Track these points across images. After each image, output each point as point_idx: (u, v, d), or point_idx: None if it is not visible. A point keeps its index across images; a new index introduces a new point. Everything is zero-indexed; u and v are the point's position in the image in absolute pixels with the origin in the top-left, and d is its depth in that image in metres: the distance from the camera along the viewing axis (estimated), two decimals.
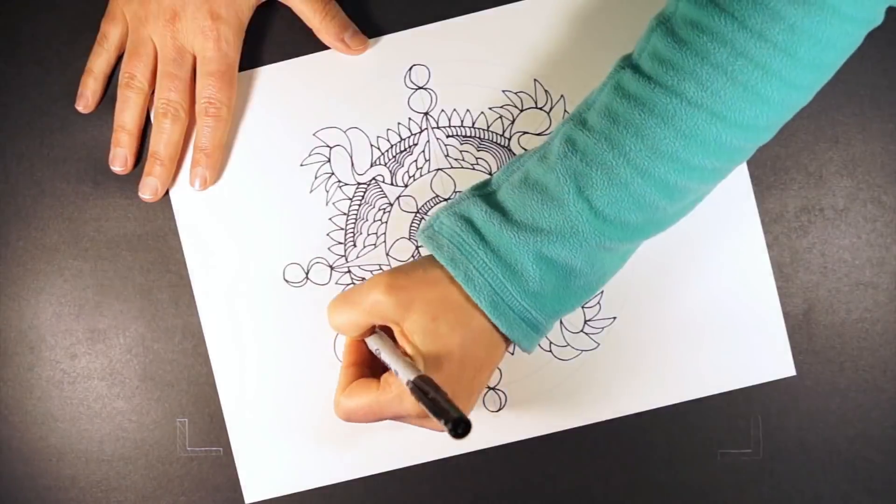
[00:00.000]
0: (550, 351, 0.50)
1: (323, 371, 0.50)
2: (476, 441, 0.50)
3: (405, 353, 0.41)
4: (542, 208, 0.40)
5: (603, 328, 0.51)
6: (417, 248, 0.51)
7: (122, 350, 0.51)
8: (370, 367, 0.45)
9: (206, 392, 0.51)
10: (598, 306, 0.50)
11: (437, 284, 0.41)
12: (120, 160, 0.50)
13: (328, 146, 0.51)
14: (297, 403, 0.51)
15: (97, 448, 0.51)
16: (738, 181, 0.50)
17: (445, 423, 0.36)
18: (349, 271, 0.51)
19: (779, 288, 0.51)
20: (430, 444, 0.50)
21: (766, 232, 0.51)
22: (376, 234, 0.51)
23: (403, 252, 0.51)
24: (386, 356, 0.42)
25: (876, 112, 0.51)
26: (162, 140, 0.49)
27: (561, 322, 0.50)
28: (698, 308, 0.51)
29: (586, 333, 0.51)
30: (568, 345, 0.51)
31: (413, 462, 0.50)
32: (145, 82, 0.49)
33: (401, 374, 0.40)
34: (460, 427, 0.36)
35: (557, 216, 0.40)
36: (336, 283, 0.51)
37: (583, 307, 0.50)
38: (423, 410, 0.39)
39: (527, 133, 0.51)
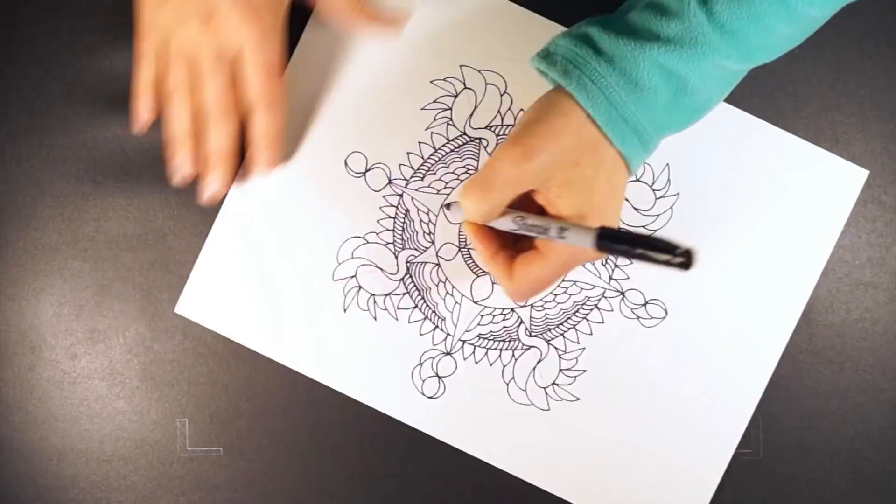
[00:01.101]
0: (508, 384, 0.50)
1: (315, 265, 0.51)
2: (404, 415, 0.51)
3: (557, 214, 0.41)
4: (661, 19, 0.40)
5: (562, 399, 0.50)
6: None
7: (123, 350, 0.51)
8: (512, 245, 0.44)
9: (206, 392, 0.51)
10: (572, 379, 0.50)
11: (567, 130, 0.40)
12: (183, 169, 0.49)
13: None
14: (277, 269, 0.51)
15: (97, 448, 0.51)
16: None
17: (662, 261, 0.33)
18: (401, 195, 0.51)
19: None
20: (377, 391, 0.51)
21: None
22: (445, 183, 0.51)
23: (455, 216, 0.50)
24: (537, 227, 0.40)
25: (876, 112, 0.51)
26: (215, 139, 0.48)
27: (534, 370, 0.50)
28: (649, 437, 0.50)
29: (547, 394, 0.50)
30: (525, 390, 0.50)
31: (342, 390, 0.51)
32: (188, 89, 0.48)
33: (573, 237, 0.38)
34: (688, 257, 0.33)
35: (676, 26, 0.40)
36: (383, 197, 0.51)
37: (562, 370, 0.50)
38: (598, 256, 0.39)
39: (625, 201, 0.50)
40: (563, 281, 0.50)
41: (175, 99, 0.48)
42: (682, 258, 0.33)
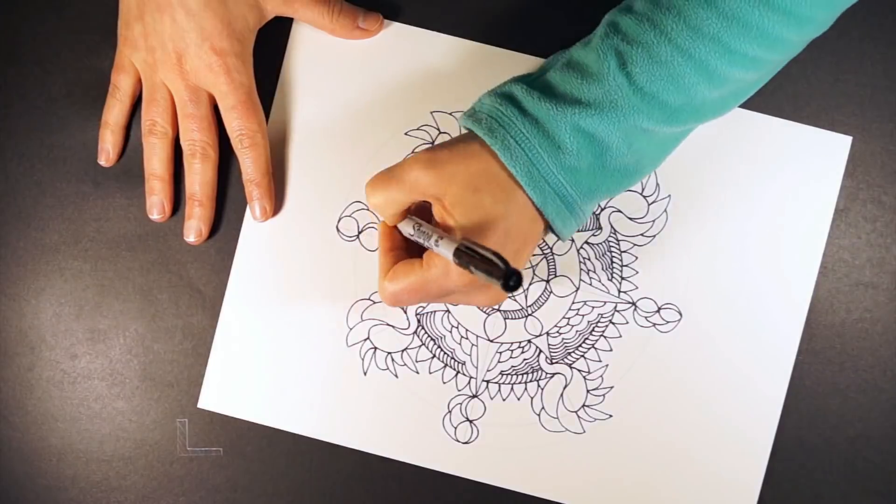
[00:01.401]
0: (539, 415, 0.50)
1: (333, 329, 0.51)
2: (440, 464, 0.50)
3: (446, 228, 0.41)
4: (582, 82, 0.41)
5: (595, 419, 0.50)
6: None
7: (123, 350, 0.51)
8: (408, 252, 0.45)
9: None
10: (601, 398, 0.50)
11: (478, 157, 0.41)
12: (157, 208, 0.50)
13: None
14: (282, 346, 0.51)
15: (97, 448, 0.51)
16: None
17: (497, 279, 0.35)
18: None
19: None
20: (406, 443, 0.51)
21: None
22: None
23: None
24: (424, 233, 0.41)
25: (876, 112, 0.51)
26: (196, 180, 0.49)
27: (561, 396, 0.50)
28: (688, 440, 0.50)
29: (579, 417, 0.50)
30: (557, 417, 0.50)
31: (374, 451, 0.50)
32: (168, 126, 0.49)
33: (443, 247, 0.39)
34: (512, 279, 0.35)
35: (597, 89, 0.40)
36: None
37: (589, 391, 0.50)
38: (469, 280, 0.40)
39: (619, 212, 0.51)
40: (455, 304, 0.50)
41: (150, 139, 0.49)
42: (511, 283, 0.35)
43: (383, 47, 0.51)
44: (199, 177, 0.49)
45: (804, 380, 0.51)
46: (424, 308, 0.51)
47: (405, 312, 0.51)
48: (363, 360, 0.51)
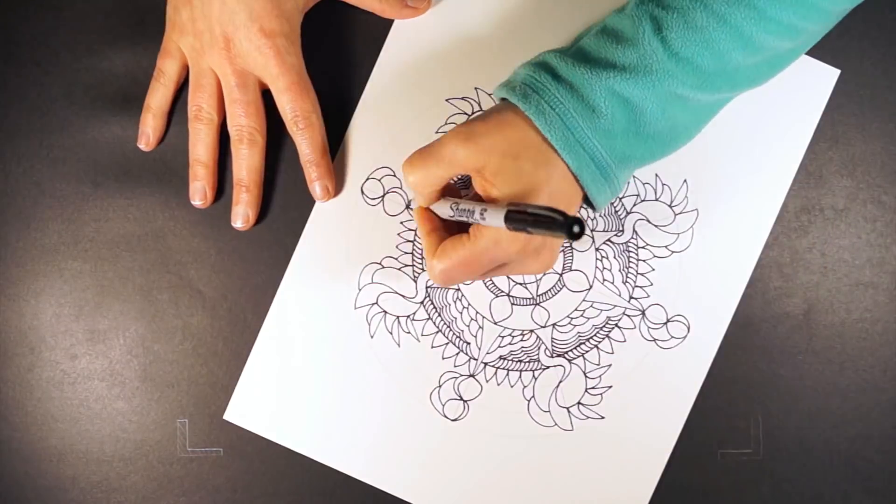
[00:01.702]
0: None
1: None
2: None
3: (490, 200, 0.41)
4: (617, 47, 0.41)
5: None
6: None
7: (122, 351, 0.51)
8: (449, 232, 0.44)
9: (206, 392, 0.51)
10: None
11: (513, 125, 0.41)
12: (199, 193, 0.50)
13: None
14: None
15: (97, 449, 0.51)
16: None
17: (558, 230, 0.34)
18: None
19: (779, 288, 0.51)
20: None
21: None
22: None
23: None
24: (467, 205, 0.41)
25: (876, 112, 0.51)
26: (244, 166, 0.49)
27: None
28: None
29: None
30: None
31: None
32: (213, 112, 0.49)
33: (490, 217, 0.39)
34: (575, 225, 0.34)
35: (631, 54, 0.41)
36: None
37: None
38: (521, 246, 0.40)
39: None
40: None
41: (196, 125, 0.49)
42: (575, 230, 0.34)
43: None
44: (247, 162, 0.49)
45: (804, 380, 0.51)
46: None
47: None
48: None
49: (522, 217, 0.37)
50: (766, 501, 0.51)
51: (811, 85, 0.51)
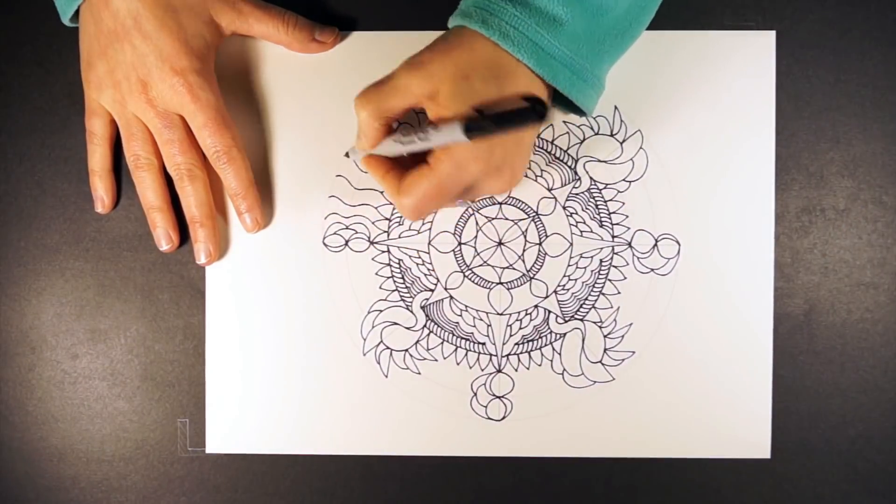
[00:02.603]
0: (562, 375, 0.51)
1: (334, 346, 0.51)
2: (471, 448, 0.51)
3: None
4: None
5: (621, 360, 0.51)
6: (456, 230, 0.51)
7: (123, 350, 0.51)
8: (404, 167, 0.44)
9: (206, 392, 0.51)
10: (620, 339, 0.51)
11: (460, 46, 0.41)
12: (164, 238, 0.50)
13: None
14: (284, 370, 0.51)
15: (98, 448, 0.51)
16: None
17: (524, 117, 0.33)
18: (388, 250, 0.51)
19: (779, 288, 0.51)
20: (426, 439, 0.51)
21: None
22: (423, 220, 0.51)
23: (446, 245, 0.51)
24: (418, 137, 0.41)
25: (877, 112, 0.51)
26: (192, 203, 0.49)
27: (582, 350, 0.51)
28: (706, 367, 0.51)
29: (604, 365, 0.51)
30: (583, 373, 0.51)
31: (395, 452, 0.51)
32: (152, 156, 0.49)
33: (446, 132, 0.39)
34: (537, 105, 0.33)
35: None
36: (372, 260, 0.51)
37: (606, 335, 0.51)
38: (483, 165, 0.40)
39: (594, 160, 0.51)
40: (472, 205, 0.50)
41: (139, 173, 0.49)
42: (538, 109, 0.34)
43: (346, 56, 0.51)
44: (194, 198, 0.49)
45: (805, 380, 0.51)
46: (429, 299, 0.51)
47: (411, 311, 0.51)
48: (379, 364, 0.51)
49: (482, 122, 0.36)
50: (766, 501, 0.51)
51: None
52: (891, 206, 0.51)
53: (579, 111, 0.46)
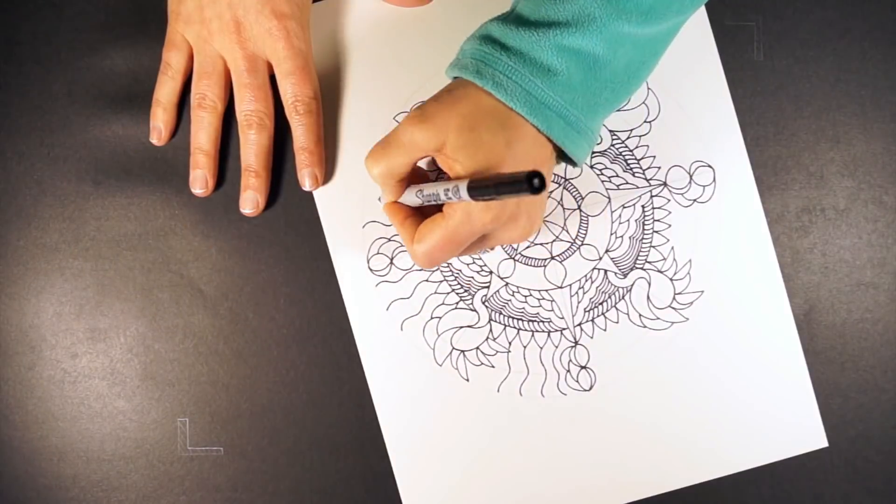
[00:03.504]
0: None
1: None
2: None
3: (456, 176, 0.41)
4: (555, 4, 0.41)
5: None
6: None
7: (123, 349, 0.51)
8: (424, 215, 0.45)
9: (206, 392, 0.51)
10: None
11: (466, 98, 0.41)
12: (200, 182, 0.50)
13: None
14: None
15: (98, 447, 0.51)
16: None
17: (521, 188, 0.34)
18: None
19: None
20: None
21: (768, 232, 0.51)
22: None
23: None
24: (431, 189, 0.42)
25: (877, 112, 0.51)
26: (252, 151, 0.49)
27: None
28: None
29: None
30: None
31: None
32: (217, 100, 0.49)
33: (455, 193, 0.39)
34: (534, 179, 0.34)
35: (570, 7, 0.40)
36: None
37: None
38: (494, 215, 0.40)
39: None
40: (479, 249, 0.50)
41: (199, 112, 0.49)
42: (535, 184, 0.34)
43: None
44: (256, 147, 0.49)
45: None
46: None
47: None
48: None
49: (483, 185, 0.37)
50: (766, 501, 0.51)
51: (693, 36, 0.51)
52: (891, 205, 0.51)
53: (570, 160, 0.45)
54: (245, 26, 0.47)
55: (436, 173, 0.50)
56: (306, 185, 0.50)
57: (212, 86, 0.49)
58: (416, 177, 0.46)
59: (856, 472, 0.51)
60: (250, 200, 0.50)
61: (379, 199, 0.51)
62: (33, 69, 0.52)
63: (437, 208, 0.43)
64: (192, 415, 0.51)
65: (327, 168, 0.51)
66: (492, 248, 0.50)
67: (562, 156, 0.44)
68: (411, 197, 0.44)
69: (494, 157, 0.40)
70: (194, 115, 0.49)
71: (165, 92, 0.50)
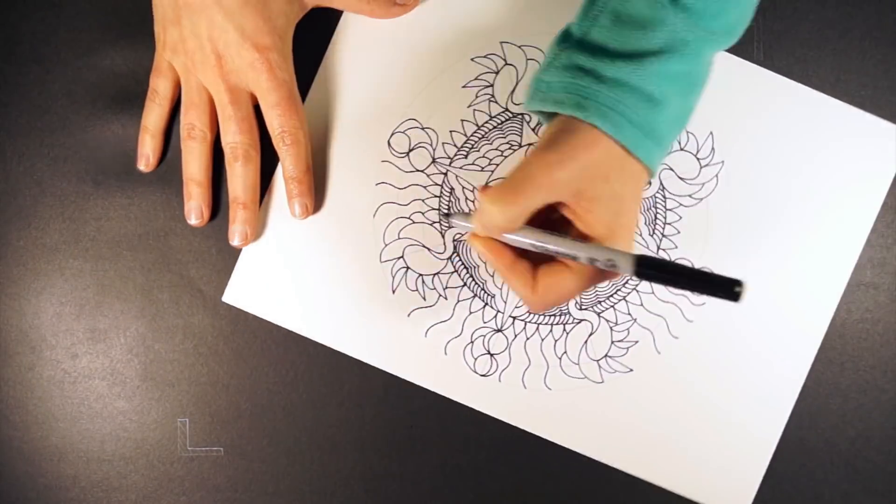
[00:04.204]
0: (560, 358, 0.50)
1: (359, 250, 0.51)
2: (451, 391, 0.51)
3: (586, 225, 0.40)
4: (645, 34, 0.39)
5: (616, 371, 0.50)
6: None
7: (123, 350, 0.51)
8: (525, 255, 0.42)
9: (206, 392, 0.51)
10: (625, 351, 0.50)
11: (595, 144, 0.39)
12: (195, 212, 0.50)
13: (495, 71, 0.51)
14: (314, 255, 0.51)
15: (98, 448, 0.51)
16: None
17: (716, 291, 0.32)
18: (446, 173, 0.51)
19: None
20: (411, 367, 0.51)
21: None
22: (489, 160, 0.51)
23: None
24: (561, 247, 0.39)
25: (877, 112, 0.51)
26: (239, 184, 0.49)
27: (585, 343, 0.50)
28: (703, 408, 0.51)
29: (600, 366, 0.50)
30: (578, 364, 0.50)
31: (401, 374, 0.51)
32: (206, 130, 0.49)
33: (605, 262, 0.37)
34: (736, 287, 0.31)
35: (662, 34, 0.39)
36: (427, 174, 0.51)
37: (613, 342, 0.51)
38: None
39: (668, 168, 0.51)
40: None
41: (189, 143, 0.49)
42: (736, 291, 0.31)
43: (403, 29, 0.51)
44: (242, 180, 0.49)
45: (805, 380, 0.51)
46: (462, 235, 0.51)
47: (443, 237, 0.51)
48: (393, 277, 0.51)
49: (661, 266, 0.35)
50: (765, 501, 0.51)
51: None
52: (891, 205, 0.51)
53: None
54: (226, 59, 0.47)
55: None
56: (296, 213, 0.50)
57: (200, 116, 0.49)
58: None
59: (856, 472, 0.51)
60: (239, 233, 0.50)
61: (446, 215, 0.50)
62: (33, 69, 0.52)
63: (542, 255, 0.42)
64: (192, 415, 0.51)
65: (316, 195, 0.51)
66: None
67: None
68: (527, 237, 0.40)
69: (628, 213, 0.40)
70: (184, 146, 0.49)
71: (153, 119, 0.50)
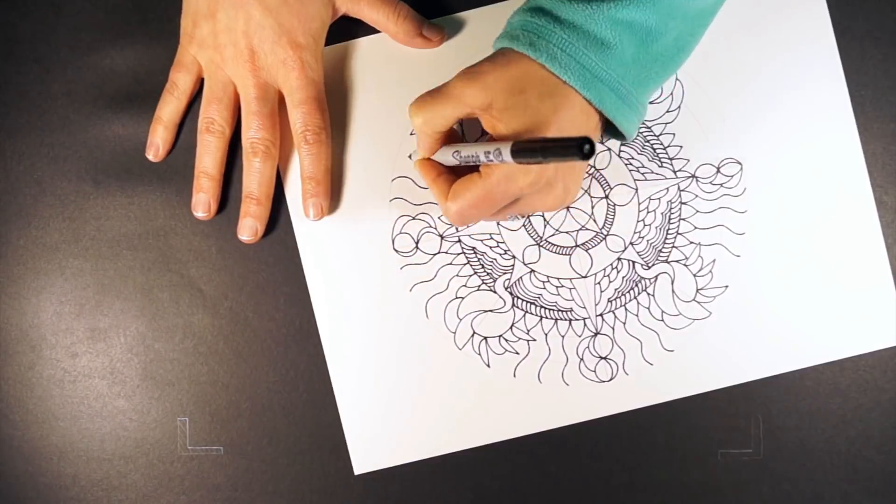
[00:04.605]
0: (662, 320, 0.51)
1: (430, 344, 0.51)
2: (586, 412, 0.51)
3: (499, 137, 0.42)
4: None
5: (714, 297, 0.51)
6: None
7: (123, 349, 0.51)
8: (456, 174, 0.45)
9: (206, 391, 0.51)
10: (710, 275, 0.51)
11: (518, 63, 0.41)
12: (203, 205, 0.50)
13: None
14: (403, 377, 0.51)
15: (98, 447, 0.51)
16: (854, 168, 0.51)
17: (569, 152, 0.34)
18: (459, 240, 0.51)
19: None
20: (536, 417, 0.51)
21: None
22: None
23: (514, 221, 0.51)
24: (470, 150, 0.42)
25: (877, 112, 0.51)
26: (255, 179, 0.49)
27: (673, 292, 0.51)
28: (808, 278, 0.51)
29: (698, 302, 0.51)
30: (680, 314, 0.51)
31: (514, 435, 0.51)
32: (225, 125, 0.49)
33: (497, 153, 0.39)
34: (586, 144, 0.34)
35: None
36: (446, 253, 0.51)
37: (695, 276, 0.51)
38: (533, 178, 0.41)
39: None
40: (516, 213, 0.50)
41: (206, 136, 0.49)
42: (585, 149, 0.34)
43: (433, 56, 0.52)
44: (259, 176, 0.49)
45: (804, 380, 0.51)
46: (511, 279, 0.51)
47: (495, 292, 0.51)
48: (480, 355, 0.51)
49: (529, 148, 0.37)
50: (766, 501, 0.51)
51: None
52: (891, 205, 0.51)
53: (619, 135, 0.45)
54: (260, 55, 0.47)
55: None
56: (310, 214, 0.50)
57: (221, 111, 0.49)
58: (452, 140, 0.46)
59: (856, 472, 0.51)
60: (249, 228, 0.50)
61: (409, 156, 0.51)
62: (33, 69, 0.52)
63: (471, 169, 0.44)
64: (191, 414, 0.51)
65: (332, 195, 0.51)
66: (522, 216, 0.50)
67: (608, 130, 0.45)
68: (446, 156, 0.44)
69: (540, 122, 0.41)
70: (201, 139, 0.49)
71: (168, 111, 0.50)
